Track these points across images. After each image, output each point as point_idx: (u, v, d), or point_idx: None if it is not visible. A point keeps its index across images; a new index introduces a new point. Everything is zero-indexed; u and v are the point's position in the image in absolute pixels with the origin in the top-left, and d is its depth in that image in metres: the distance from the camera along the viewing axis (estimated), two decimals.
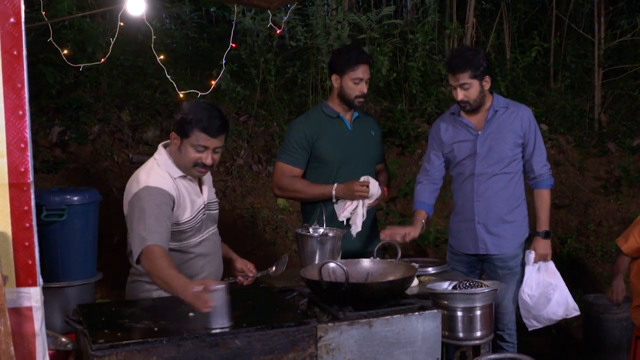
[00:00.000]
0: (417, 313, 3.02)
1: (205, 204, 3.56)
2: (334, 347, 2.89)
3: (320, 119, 4.49)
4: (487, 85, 4.43)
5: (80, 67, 4.64)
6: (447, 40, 8.76)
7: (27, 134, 2.50)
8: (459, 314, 3.55)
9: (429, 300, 3.43)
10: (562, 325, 6.76)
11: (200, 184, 3.57)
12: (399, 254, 3.58)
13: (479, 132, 4.49)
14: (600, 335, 5.79)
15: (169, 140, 3.49)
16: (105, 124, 7.17)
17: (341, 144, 4.48)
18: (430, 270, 4.28)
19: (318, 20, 7.95)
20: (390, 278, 3.22)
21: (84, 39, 7.00)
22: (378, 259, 3.60)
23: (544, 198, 4.57)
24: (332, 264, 3.13)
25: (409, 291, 3.80)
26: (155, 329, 2.79)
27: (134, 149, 7.07)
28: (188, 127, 3.33)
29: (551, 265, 4.59)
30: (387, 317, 2.97)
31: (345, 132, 4.50)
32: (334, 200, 4.36)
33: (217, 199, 3.74)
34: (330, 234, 3.99)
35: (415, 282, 3.97)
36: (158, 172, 3.39)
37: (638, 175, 7.89)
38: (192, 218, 3.46)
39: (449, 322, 3.56)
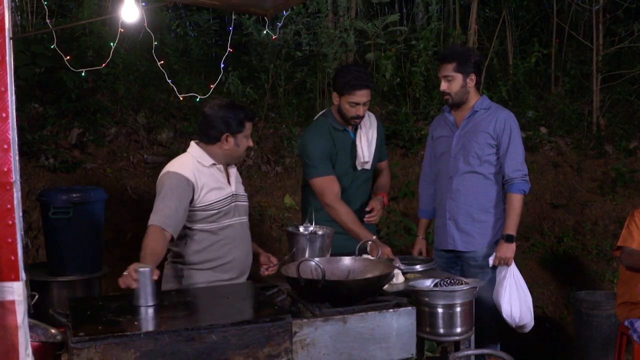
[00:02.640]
0: (391, 310, 2.95)
1: (233, 194, 3.76)
2: (308, 343, 2.83)
3: (330, 132, 4.40)
4: (471, 82, 4.37)
5: (82, 71, 4.56)
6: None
7: (10, 135, 2.48)
8: (440, 310, 3.45)
9: (408, 297, 3.37)
10: (556, 320, 6.67)
11: (228, 177, 3.80)
12: (379, 252, 3.51)
13: (457, 130, 4.44)
14: (590, 331, 5.68)
15: (196, 140, 3.82)
16: (122, 126, 7.16)
17: (347, 156, 4.43)
18: (418, 267, 4.20)
19: (322, 28, 7.90)
20: (369, 275, 3.15)
21: (101, 45, 7.00)
22: (365, 256, 3.55)
23: (512, 202, 4.36)
24: (310, 262, 3.06)
25: (394, 288, 3.76)
26: (136, 322, 2.75)
27: (149, 150, 7.05)
28: (241, 124, 3.68)
29: (510, 271, 4.40)
30: (362, 313, 2.91)
31: (350, 143, 4.44)
32: (368, 248, 4.10)
33: (245, 194, 3.95)
34: (320, 232, 3.91)
35: (401, 279, 3.90)
36: (184, 161, 3.68)
37: (631, 176, 7.75)
38: (219, 201, 3.66)
39: (429, 319, 3.46)
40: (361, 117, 4.34)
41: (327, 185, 4.31)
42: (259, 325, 2.74)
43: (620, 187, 7.82)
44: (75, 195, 4.51)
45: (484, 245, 4.44)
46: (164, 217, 3.45)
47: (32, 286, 4.49)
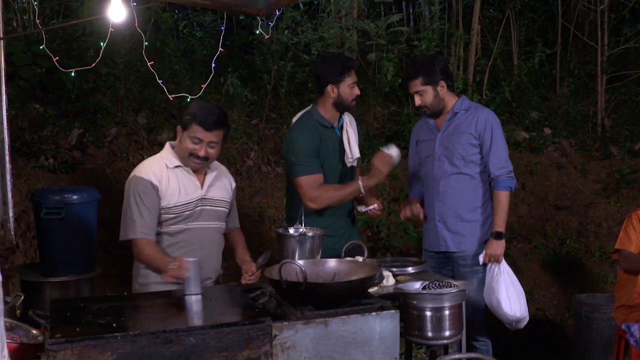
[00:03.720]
0: (374, 313, 2.90)
1: (201, 198, 3.65)
2: (289, 346, 2.79)
3: (318, 129, 4.32)
4: (442, 89, 4.41)
5: (71, 71, 4.55)
6: (454, 47, 8.60)
7: None
8: (428, 313, 3.42)
9: (397, 300, 3.33)
10: (557, 323, 6.60)
11: (203, 180, 3.70)
12: (365, 254, 3.48)
13: (439, 133, 4.43)
14: (589, 334, 5.62)
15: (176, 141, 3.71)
16: (122, 126, 7.15)
17: (336, 153, 4.39)
18: (410, 269, 4.16)
19: (325, 28, 7.87)
20: (354, 278, 3.11)
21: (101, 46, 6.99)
22: (350, 258, 3.51)
23: (499, 199, 4.35)
24: (292, 264, 3.02)
25: (385, 290, 3.72)
26: (114, 324, 2.72)
27: (149, 151, 7.02)
28: (187, 121, 3.55)
29: (502, 267, 4.34)
30: (344, 316, 2.86)
31: (337, 141, 4.40)
32: (362, 192, 4.22)
33: (226, 199, 3.82)
34: (310, 234, 3.88)
35: (392, 281, 3.86)
36: (151, 163, 3.65)
37: (636, 178, 7.67)
38: (180, 205, 3.59)
39: (418, 322, 3.43)
40: (358, 97, 4.37)
41: (314, 184, 4.23)
42: (238, 328, 2.70)
43: (625, 189, 7.75)
44: (67, 195, 4.49)
45: (474, 244, 4.43)
46: (142, 226, 3.50)
47: (25, 287, 4.51)
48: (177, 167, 3.63)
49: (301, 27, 8.02)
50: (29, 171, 6.48)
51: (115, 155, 6.94)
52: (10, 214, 4.09)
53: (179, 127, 3.63)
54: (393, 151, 4.16)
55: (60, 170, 6.54)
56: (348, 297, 2.96)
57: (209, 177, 3.74)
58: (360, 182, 4.21)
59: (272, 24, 4.53)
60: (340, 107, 4.33)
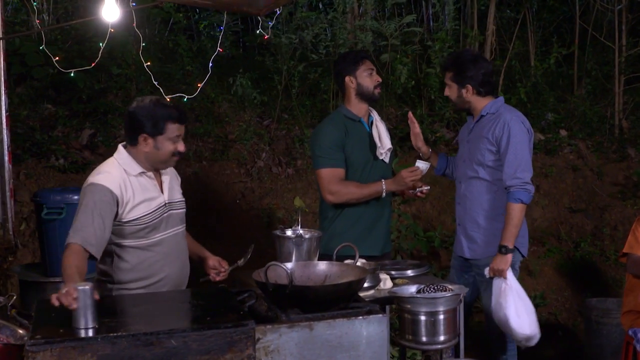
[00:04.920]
0: (360, 317, 2.85)
1: (166, 203, 3.44)
2: (273, 350, 2.75)
3: (344, 122, 4.33)
4: (467, 93, 4.26)
5: (71, 72, 4.54)
6: (469, 48, 8.50)
7: None
8: (422, 318, 3.38)
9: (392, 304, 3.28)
10: (569, 328, 6.50)
11: (161, 184, 3.47)
12: (357, 257, 3.43)
13: (468, 135, 4.37)
14: (599, 339, 5.52)
15: (124, 142, 3.42)
16: None
17: (364, 146, 4.35)
18: (409, 273, 4.10)
19: (339, 29, 7.83)
20: (342, 281, 3.06)
21: (114, 45, 7.02)
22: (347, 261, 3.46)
23: (508, 212, 4.10)
24: (279, 266, 2.98)
25: (382, 294, 3.66)
26: (96, 326, 2.69)
27: None
28: (161, 124, 3.29)
29: (509, 283, 4.15)
30: (329, 320, 2.81)
31: (366, 135, 4.37)
32: (383, 195, 4.22)
33: (182, 199, 3.60)
34: (307, 236, 3.84)
35: (389, 284, 3.81)
36: (110, 169, 3.32)
37: None
38: (148, 214, 3.34)
39: (412, 327, 3.40)
40: (381, 84, 4.36)
41: (334, 178, 4.21)
42: (221, 331, 2.66)
43: None
44: (68, 195, 4.50)
45: (488, 254, 4.24)
46: (87, 235, 3.13)
47: (25, 287, 4.51)
48: (140, 173, 3.36)
49: (313, 28, 7.97)
50: (40, 171, 6.52)
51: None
52: (10, 214, 4.08)
53: (144, 136, 3.30)
54: (422, 165, 4.16)
55: (70, 171, 6.58)
56: (336, 301, 2.91)
57: (165, 180, 3.51)
58: (383, 185, 4.19)
59: (271, 24, 4.48)
60: (364, 96, 4.32)
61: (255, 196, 7.10)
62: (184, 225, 3.61)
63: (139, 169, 3.35)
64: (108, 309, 3.04)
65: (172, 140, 3.33)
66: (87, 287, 2.68)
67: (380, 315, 2.88)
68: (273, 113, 7.77)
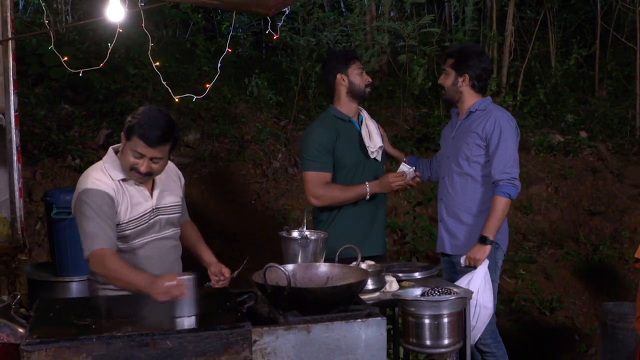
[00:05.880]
0: (359, 320, 2.81)
1: (153, 208, 3.35)
2: (269, 352, 2.72)
3: (334, 122, 4.30)
4: (463, 83, 4.28)
5: (80, 72, 4.55)
6: (488, 49, 8.43)
7: None
8: (426, 321, 3.32)
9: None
10: (585, 332, 6.40)
11: (152, 189, 3.36)
12: (359, 259, 3.39)
13: (454, 131, 4.37)
14: (614, 344, 5.40)
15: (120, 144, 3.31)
16: None
17: (356, 146, 4.32)
18: (417, 275, 4.05)
19: (357, 29, 7.80)
20: (342, 283, 3.03)
21: (130, 46, 7.06)
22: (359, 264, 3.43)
23: (494, 205, 4.09)
24: (277, 268, 2.95)
25: (388, 296, 3.62)
26: (93, 326, 2.69)
27: (175, 151, 7.05)
28: (130, 131, 3.15)
29: (479, 272, 4.05)
30: (327, 323, 2.78)
31: (357, 135, 4.34)
32: (367, 197, 4.21)
33: (177, 202, 3.49)
34: (312, 237, 3.81)
35: (395, 287, 3.76)
36: (98, 174, 3.22)
37: None
38: (135, 219, 3.27)
39: (415, 330, 3.34)
40: (371, 84, 4.35)
41: (319, 182, 4.20)
42: (216, 332, 2.64)
43: None
44: None
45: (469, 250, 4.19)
46: (106, 236, 3.11)
47: (35, 286, 4.53)
48: (123, 180, 3.25)
49: (328, 28, 7.95)
50: (56, 171, 6.55)
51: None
52: (18, 214, 4.10)
53: (122, 135, 3.21)
54: (407, 169, 4.18)
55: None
56: (335, 303, 2.88)
57: (158, 185, 3.39)
58: (367, 188, 4.18)
59: (279, 24, 4.45)
60: (355, 94, 4.30)
61: (270, 197, 7.09)
62: (176, 229, 3.52)
63: (121, 175, 3.25)
64: (104, 309, 3.05)
65: (133, 153, 3.16)
66: (192, 276, 2.85)
67: (380, 318, 2.85)
68: (290, 114, 7.76)
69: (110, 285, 3.22)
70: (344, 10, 8.81)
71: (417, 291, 3.50)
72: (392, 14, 8.86)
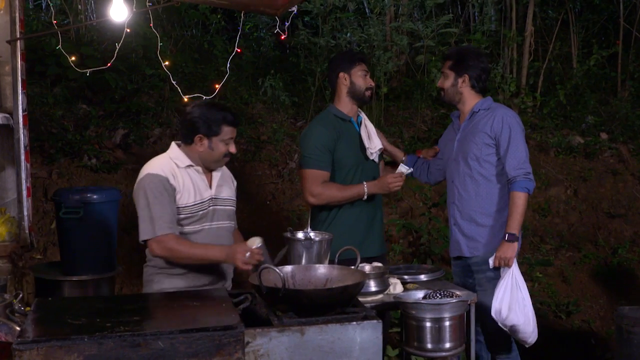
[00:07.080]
0: (354, 322, 2.78)
1: (212, 198, 3.59)
2: (262, 354, 2.70)
3: (335, 122, 4.30)
4: (462, 84, 4.24)
5: (87, 71, 4.55)
6: (507, 49, 8.33)
7: None
8: (427, 324, 3.29)
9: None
10: (602, 337, 6.29)
11: (211, 180, 3.63)
12: (359, 261, 3.35)
13: (458, 133, 4.31)
14: (630, 349, 5.28)
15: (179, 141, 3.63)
16: (166, 127, 7.20)
17: (355, 147, 4.31)
18: (422, 277, 4.01)
19: (375, 30, 7.75)
20: (340, 285, 2.99)
21: (146, 46, 7.08)
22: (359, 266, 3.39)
23: (514, 200, 4.04)
24: (272, 269, 2.93)
25: (392, 298, 3.58)
26: (86, 326, 2.68)
27: None
28: (212, 127, 3.48)
29: (512, 272, 4.04)
30: (322, 325, 2.75)
31: (357, 135, 4.33)
32: (364, 197, 4.19)
33: (232, 198, 3.76)
34: (317, 238, 3.78)
35: (399, 289, 3.73)
36: (161, 162, 3.53)
37: None
38: (194, 205, 3.51)
39: (417, 333, 3.31)
40: (373, 88, 4.38)
41: (317, 180, 4.18)
42: (209, 334, 2.62)
43: None
44: (86, 195, 4.51)
45: (489, 250, 4.14)
46: (171, 223, 3.39)
47: (44, 285, 4.54)
48: (188, 166, 3.53)
49: (347, 29, 7.91)
50: (72, 170, 6.58)
51: (157, 155, 6.98)
52: (26, 213, 4.12)
53: (200, 137, 3.49)
54: (405, 170, 4.19)
55: (102, 170, 6.63)
56: (331, 305, 2.85)
57: (216, 177, 3.66)
58: (365, 188, 4.15)
59: (287, 24, 4.43)
60: (355, 95, 4.29)
61: (285, 197, 7.07)
62: (233, 222, 3.78)
63: (188, 162, 3.53)
64: (98, 309, 3.04)
65: (225, 142, 3.52)
66: (262, 243, 3.23)
67: (375, 321, 2.81)
68: (306, 114, 7.73)
69: (169, 269, 3.49)
70: (368, 11, 8.74)
71: (419, 294, 3.46)
72: (414, 14, 8.80)
